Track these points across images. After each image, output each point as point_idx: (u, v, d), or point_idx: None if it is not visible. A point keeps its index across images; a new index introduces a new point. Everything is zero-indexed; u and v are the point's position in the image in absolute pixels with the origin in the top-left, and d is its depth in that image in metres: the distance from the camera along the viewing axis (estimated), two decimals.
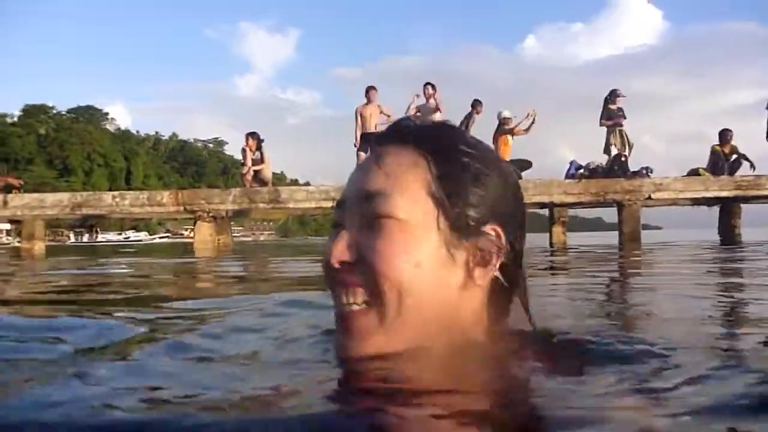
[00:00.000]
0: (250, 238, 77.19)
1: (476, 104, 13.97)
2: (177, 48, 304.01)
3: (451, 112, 14.02)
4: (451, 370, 0.92)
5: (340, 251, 0.93)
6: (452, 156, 0.95)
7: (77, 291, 3.77)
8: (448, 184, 0.93)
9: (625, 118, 14.15)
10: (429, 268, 0.91)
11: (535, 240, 13.03)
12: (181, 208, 12.84)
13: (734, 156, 14.31)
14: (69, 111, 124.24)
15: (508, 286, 0.97)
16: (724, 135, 14.48)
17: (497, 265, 0.94)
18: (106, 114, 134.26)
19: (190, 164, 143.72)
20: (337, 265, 0.93)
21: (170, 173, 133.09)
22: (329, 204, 12.84)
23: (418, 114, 13.50)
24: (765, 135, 14.36)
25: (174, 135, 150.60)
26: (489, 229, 0.93)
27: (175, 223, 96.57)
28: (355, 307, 0.92)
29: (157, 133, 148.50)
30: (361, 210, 0.94)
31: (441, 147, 0.96)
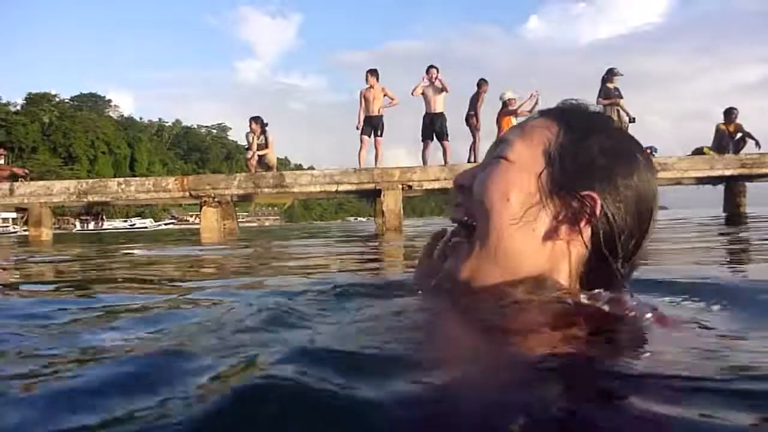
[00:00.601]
0: (255, 224, 77.35)
1: (482, 83, 13.94)
2: (179, 34, 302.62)
3: (456, 94, 13.99)
4: (511, 319, 0.94)
5: (462, 177, 1.08)
6: (586, 128, 1.03)
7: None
8: (565, 148, 1.01)
9: (621, 97, 14.15)
10: (517, 206, 0.99)
11: None
12: (187, 194, 12.88)
13: (739, 134, 14.29)
14: (72, 99, 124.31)
15: (603, 261, 0.98)
16: (729, 114, 14.45)
17: (584, 229, 0.97)
18: (109, 101, 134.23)
19: (194, 150, 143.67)
20: (456, 187, 1.09)
21: (174, 160, 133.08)
22: (334, 188, 12.87)
23: (424, 95, 13.51)
24: None
25: (177, 121, 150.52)
26: (587, 195, 0.97)
27: (180, 209, 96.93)
28: (459, 230, 1.07)
29: (160, 119, 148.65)
30: (491, 152, 1.08)
31: (580, 120, 1.05)
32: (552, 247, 0.99)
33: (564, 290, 0.97)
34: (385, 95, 13.40)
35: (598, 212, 0.96)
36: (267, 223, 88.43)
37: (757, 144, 13.99)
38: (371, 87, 13.30)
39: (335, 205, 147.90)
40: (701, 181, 14.45)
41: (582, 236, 0.97)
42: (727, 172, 13.28)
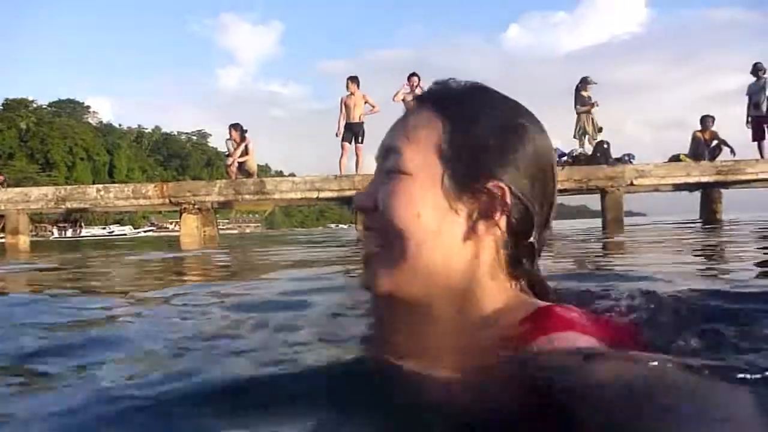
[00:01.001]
0: (235, 231, 76.90)
1: None
2: (159, 40, 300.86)
3: None
4: (443, 322, 0.97)
5: (362, 199, 1.02)
6: (468, 115, 1.00)
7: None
8: (457, 141, 0.98)
9: (594, 105, 14.51)
10: (429, 218, 0.96)
11: None
12: (167, 201, 12.81)
13: (715, 142, 14.55)
14: (50, 104, 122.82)
15: (522, 245, 1.00)
16: (705, 121, 14.71)
17: (499, 220, 0.97)
18: (88, 107, 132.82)
19: (174, 157, 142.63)
20: (359, 211, 1.03)
21: (154, 166, 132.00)
22: (314, 195, 12.87)
23: (404, 102, 13.59)
24: (745, 120, 14.59)
25: (157, 128, 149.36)
26: (494, 185, 0.96)
27: (160, 217, 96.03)
28: (374, 249, 1.00)
29: (139, 126, 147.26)
30: (381, 164, 1.03)
31: (460, 106, 1.01)
32: (473, 245, 0.98)
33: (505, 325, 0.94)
34: (366, 102, 13.48)
35: (508, 200, 0.96)
36: (248, 230, 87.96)
37: (732, 151, 14.27)
38: (352, 94, 13.38)
39: (317, 212, 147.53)
40: (678, 187, 14.66)
41: (499, 226, 0.97)
42: (703, 179, 13.49)
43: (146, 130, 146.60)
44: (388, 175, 0.99)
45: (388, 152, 1.01)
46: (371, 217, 1.01)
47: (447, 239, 0.97)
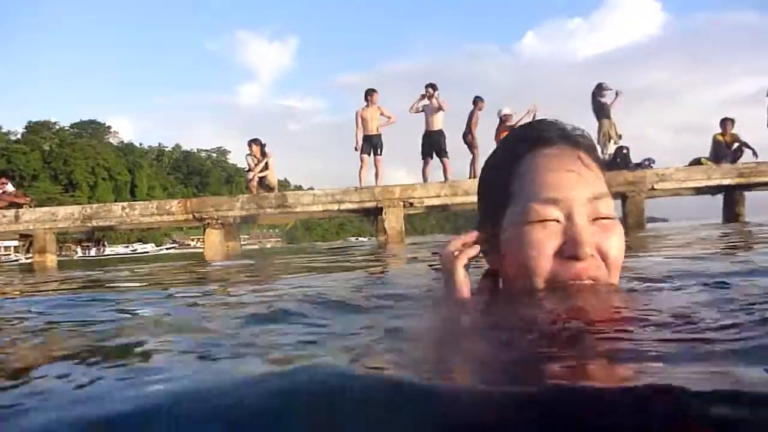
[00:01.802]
0: (256, 246, 77.31)
1: (478, 101, 14.17)
2: (178, 60, 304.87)
3: (454, 112, 14.19)
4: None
5: (592, 245, 1.13)
6: (596, 153, 1.25)
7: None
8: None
9: (618, 96, 14.47)
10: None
11: None
12: (190, 216, 13.00)
13: (736, 144, 14.45)
14: (72, 126, 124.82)
15: None
16: (725, 124, 14.63)
17: None
18: (109, 127, 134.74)
19: (194, 174, 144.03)
20: (590, 257, 1.13)
21: (174, 184, 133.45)
22: (335, 207, 12.98)
23: (421, 112, 13.70)
24: (766, 122, 14.48)
25: (177, 146, 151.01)
26: None
27: (182, 234, 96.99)
28: (588, 282, 1.13)
29: (160, 144, 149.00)
30: (589, 210, 1.15)
31: (591, 148, 1.24)
32: None
33: None
34: (381, 114, 13.62)
35: None
36: (269, 245, 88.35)
37: (754, 153, 14.16)
38: (368, 106, 13.51)
39: (336, 226, 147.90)
40: (700, 191, 14.57)
41: None
42: (725, 182, 13.41)
43: (166, 149, 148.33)
44: (607, 222, 1.17)
45: (597, 198, 1.16)
46: (591, 264, 1.14)
47: None
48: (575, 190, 1.14)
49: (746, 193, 15.26)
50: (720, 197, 15.61)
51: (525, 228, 1.14)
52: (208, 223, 12.87)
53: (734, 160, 14.12)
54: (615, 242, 1.14)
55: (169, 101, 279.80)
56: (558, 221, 1.13)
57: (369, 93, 13.70)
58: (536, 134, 1.21)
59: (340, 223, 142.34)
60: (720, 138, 14.49)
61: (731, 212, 15.23)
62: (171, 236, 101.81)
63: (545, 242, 1.12)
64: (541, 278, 1.12)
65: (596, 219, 1.14)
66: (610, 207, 1.17)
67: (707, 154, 14.47)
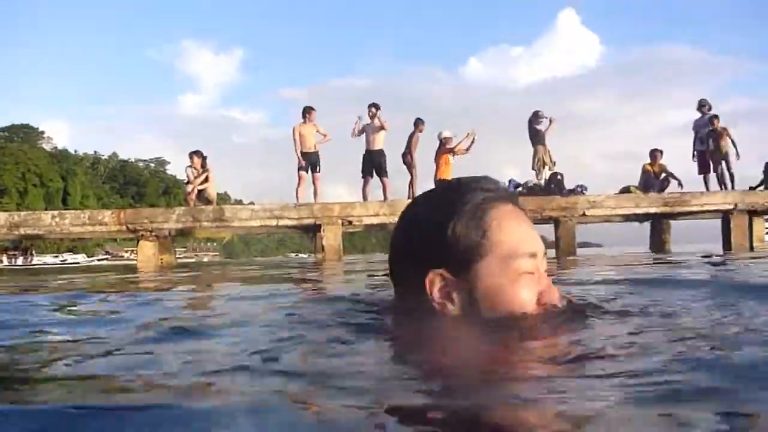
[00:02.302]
0: (193, 259, 75.77)
1: (418, 123, 14.35)
2: (117, 66, 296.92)
3: (398, 132, 14.36)
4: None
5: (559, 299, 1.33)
6: None
7: None
8: None
9: (552, 122, 14.97)
10: None
11: None
12: (124, 228, 12.68)
13: (663, 174, 15.09)
14: (2, 129, 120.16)
15: None
16: (654, 155, 15.27)
17: None
18: (42, 132, 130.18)
19: (131, 184, 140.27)
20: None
21: (110, 194, 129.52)
22: (274, 222, 12.92)
23: (362, 133, 13.81)
24: (691, 155, 15.22)
25: (114, 154, 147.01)
26: None
27: (115, 245, 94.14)
28: None
29: (96, 152, 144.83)
30: (543, 264, 1.34)
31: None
32: None
33: None
34: (317, 131, 13.68)
35: None
36: (206, 259, 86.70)
37: (680, 184, 14.81)
38: (305, 123, 13.55)
39: (276, 241, 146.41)
40: (628, 218, 15.14)
41: None
42: (652, 210, 13.99)
43: (102, 157, 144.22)
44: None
45: (544, 255, 1.34)
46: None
47: None
48: (540, 244, 1.32)
49: (672, 222, 15.97)
50: (647, 225, 16.29)
51: (511, 282, 1.26)
52: (142, 235, 12.59)
53: (661, 190, 14.74)
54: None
55: (107, 108, 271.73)
56: (533, 273, 1.29)
57: (306, 110, 13.73)
58: (497, 190, 1.35)
59: (280, 239, 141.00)
60: (649, 168, 15.12)
61: (658, 239, 15.92)
62: (104, 247, 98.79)
63: (530, 293, 1.27)
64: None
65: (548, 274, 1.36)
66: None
67: (637, 183, 15.08)
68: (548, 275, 1.32)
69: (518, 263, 1.25)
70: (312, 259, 16.00)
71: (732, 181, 14.76)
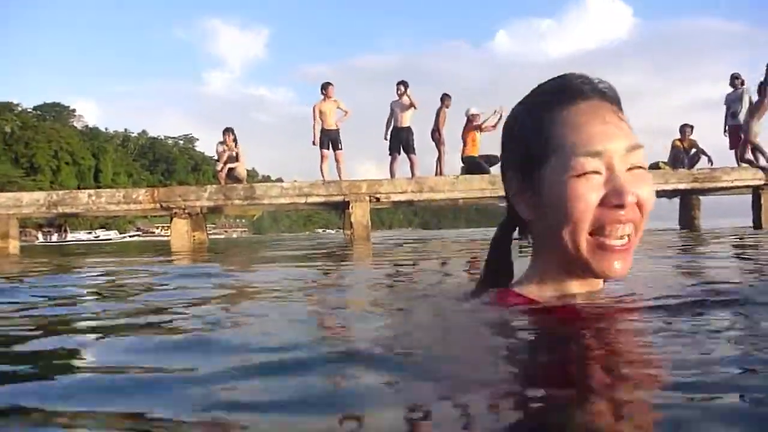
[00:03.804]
0: (222, 236, 76.74)
1: (445, 98, 14.32)
2: (146, 45, 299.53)
3: (425, 108, 14.37)
4: None
5: (633, 193, 1.20)
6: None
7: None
8: None
9: None
10: None
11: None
12: (157, 206, 12.98)
13: (693, 150, 14.92)
14: (35, 108, 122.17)
15: None
16: (683, 130, 15.09)
17: None
18: (74, 111, 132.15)
19: (160, 161, 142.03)
20: (631, 204, 1.20)
21: (140, 171, 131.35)
22: (303, 200, 13.11)
23: (391, 110, 13.84)
24: (722, 129, 14.99)
25: (143, 132, 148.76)
26: None
27: (146, 221, 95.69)
28: (626, 238, 1.23)
29: (126, 130, 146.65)
30: (626, 160, 1.21)
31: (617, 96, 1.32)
32: None
33: None
34: (338, 108, 13.67)
35: None
36: (234, 235, 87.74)
37: (710, 160, 14.62)
38: (325, 100, 13.52)
39: (304, 218, 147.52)
40: (657, 194, 14.99)
41: None
42: (681, 186, 13.88)
43: (132, 134, 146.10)
44: (640, 171, 1.23)
45: (635, 149, 1.22)
46: (632, 209, 1.21)
47: None
48: (614, 142, 1.21)
49: (702, 198, 15.82)
50: (677, 201, 16.17)
51: (570, 181, 1.20)
52: (176, 213, 12.88)
53: (691, 166, 14.59)
54: (649, 190, 1.23)
55: (136, 86, 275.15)
56: (599, 173, 1.20)
57: (325, 86, 13.59)
58: (572, 87, 1.27)
59: (308, 215, 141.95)
60: (678, 144, 14.95)
61: (687, 216, 15.81)
62: (135, 223, 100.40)
63: (590, 194, 1.18)
64: (585, 228, 1.21)
65: (631, 168, 1.21)
66: (643, 157, 1.23)
67: (666, 158, 14.94)
68: (638, 169, 1.22)
69: (578, 162, 1.19)
70: (341, 236, 16.20)
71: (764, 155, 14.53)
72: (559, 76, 1.32)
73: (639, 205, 1.21)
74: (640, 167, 1.22)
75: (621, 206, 1.18)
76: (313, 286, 2.98)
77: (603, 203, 1.19)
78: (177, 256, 8.25)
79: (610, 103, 1.26)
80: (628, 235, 1.22)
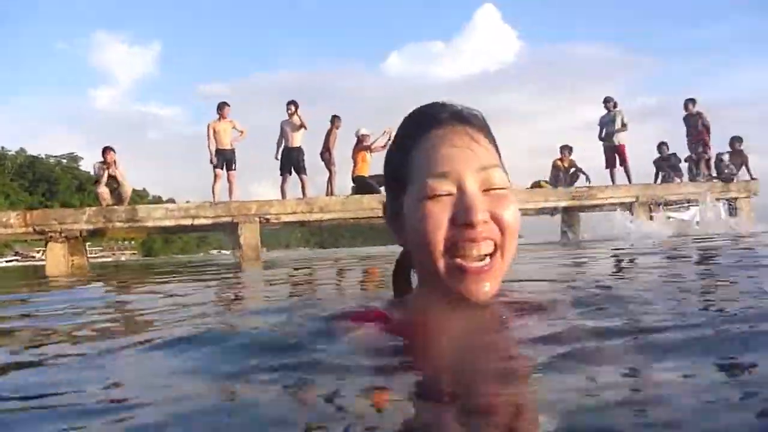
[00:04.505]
0: (110, 258, 73.27)
1: (335, 119, 14.43)
2: (23, 57, 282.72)
3: (319, 128, 14.40)
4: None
5: (484, 211, 1.20)
6: (491, 134, 1.32)
7: None
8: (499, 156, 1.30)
9: None
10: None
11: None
12: (31, 230, 12.19)
13: (572, 169, 15.79)
14: None
15: None
16: (563, 151, 15.96)
17: None
18: None
19: (41, 181, 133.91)
20: (482, 222, 1.19)
21: (18, 191, 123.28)
22: (189, 222, 12.73)
23: (282, 130, 13.75)
24: (597, 136, 15.88)
25: (22, 150, 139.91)
26: None
27: (25, 245, 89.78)
28: (486, 259, 1.21)
29: (3, 148, 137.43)
30: (479, 179, 1.22)
31: (483, 124, 1.31)
32: None
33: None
34: (234, 128, 13.54)
35: None
36: (123, 258, 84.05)
37: (587, 179, 15.54)
38: (220, 120, 13.37)
39: (197, 238, 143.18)
40: (541, 211, 15.76)
41: None
42: (561, 204, 14.62)
43: (9, 152, 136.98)
44: (499, 192, 1.23)
45: (487, 170, 1.23)
46: (485, 228, 1.20)
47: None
48: (462, 163, 1.21)
49: (581, 214, 16.71)
50: (558, 216, 16.99)
51: (421, 204, 1.21)
52: (51, 237, 12.14)
53: (570, 184, 15.43)
54: (508, 208, 1.22)
55: (15, 101, 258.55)
56: (450, 194, 1.20)
57: (220, 106, 13.53)
58: (429, 116, 1.30)
59: (202, 236, 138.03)
60: (559, 163, 15.79)
61: (567, 230, 16.64)
62: (13, 247, 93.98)
63: (439, 215, 1.19)
64: (439, 249, 1.20)
65: (488, 189, 1.21)
66: (502, 178, 1.23)
67: (548, 177, 15.72)
68: (495, 190, 1.23)
69: (428, 185, 1.20)
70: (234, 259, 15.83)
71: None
72: (424, 105, 1.35)
73: (499, 225, 1.21)
74: (499, 188, 1.22)
75: (471, 225, 1.18)
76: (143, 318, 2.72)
77: (454, 223, 1.19)
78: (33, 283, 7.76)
79: (469, 127, 1.27)
80: (489, 255, 1.21)
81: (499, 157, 1.30)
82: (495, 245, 1.21)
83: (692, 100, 15.97)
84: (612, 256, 5.84)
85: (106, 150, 13.40)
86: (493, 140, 1.31)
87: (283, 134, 13.74)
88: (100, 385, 1.14)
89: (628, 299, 1.66)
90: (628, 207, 14.98)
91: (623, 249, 7.01)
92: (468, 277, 1.20)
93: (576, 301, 1.59)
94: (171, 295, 3.77)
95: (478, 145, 1.25)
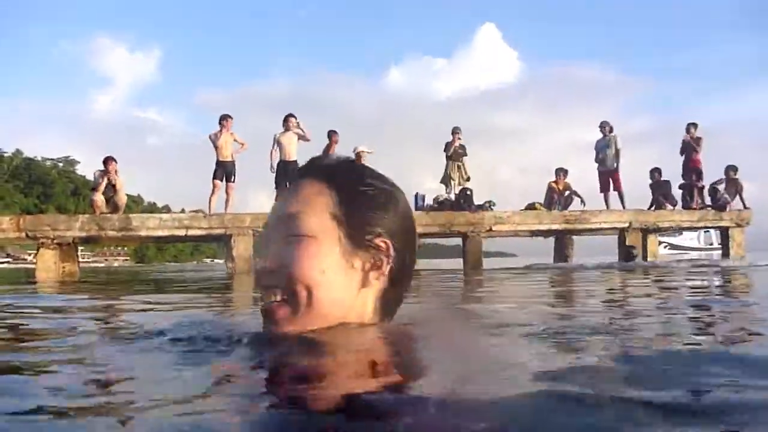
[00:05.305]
0: (102, 264, 73.05)
1: (333, 134, 14.38)
2: (26, 61, 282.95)
3: (317, 139, 14.42)
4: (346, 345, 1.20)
5: (267, 261, 1.23)
6: (351, 185, 1.25)
7: None
8: (346, 207, 1.23)
9: (465, 154, 15.55)
10: (332, 273, 1.21)
11: None
12: (23, 235, 12.16)
13: (567, 192, 15.82)
14: None
15: (398, 287, 1.30)
16: (558, 174, 15.99)
17: (386, 269, 1.25)
18: None
19: (36, 184, 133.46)
20: (264, 272, 1.23)
21: (13, 193, 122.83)
22: (182, 232, 12.71)
23: (279, 143, 13.75)
24: (594, 159, 15.90)
25: (18, 152, 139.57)
26: (380, 241, 1.24)
27: (17, 248, 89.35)
28: (275, 304, 1.21)
29: None
30: (281, 229, 1.23)
31: (342, 178, 1.26)
32: (365, 291, 1.25)
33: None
34: (234, 140, 13.60)
35: (391, 252, 1.25)
36: (116, 264, 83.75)
37: (582, 202, 15.56)
38: (221, 132, 13.43)
39: (191, 246, 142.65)
40: (534, 233, 15.78)
41: (385, 274, 1.25)
42: (554, 227, 14.66)
43: (5, 154, 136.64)
44: (292, 238, 1.21)
45: (288, 218, 1.23)
46: (273, 276, 1.22)
47: (347, 289, 1.23)
48: (270, 214, 1.30)
49: (574, 237, 16.75)
50: (552, 239, 17.03)
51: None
52: (42, 243, 12.10)
53: (565, 207, 15.45)
54: (292, 255, 1.20)
55: (12, 103, 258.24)
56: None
57: (223, 118, 13.62)
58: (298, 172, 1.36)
59: (195, 245, 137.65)
60: (553, 185, 15.82)
61: (561, 253, 16.66)
62: (5, 249, 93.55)
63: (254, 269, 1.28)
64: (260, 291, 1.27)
65: (288, 236, 1.22)
66: (297, 225, 1.21)
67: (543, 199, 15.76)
68: (292, 236, 1.22)
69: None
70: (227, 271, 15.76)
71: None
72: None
73: (286, 273, 1.21)
74: (294, 234, 1.21)
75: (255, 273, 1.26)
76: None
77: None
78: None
79: (311, 179, 1.28)
80: (282, 301, 1.21)
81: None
82: (291, 292, 1.22)
83: (694, 125, 16.03)
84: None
85: (108, 160, 13.45)
86: (345, 188, 1.28)
87: (279, 147, 13.71)
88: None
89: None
90: (621, 232, 15.04)
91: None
92: (265, 319, 1.26)
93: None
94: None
95: (294, 193, 1.28)
